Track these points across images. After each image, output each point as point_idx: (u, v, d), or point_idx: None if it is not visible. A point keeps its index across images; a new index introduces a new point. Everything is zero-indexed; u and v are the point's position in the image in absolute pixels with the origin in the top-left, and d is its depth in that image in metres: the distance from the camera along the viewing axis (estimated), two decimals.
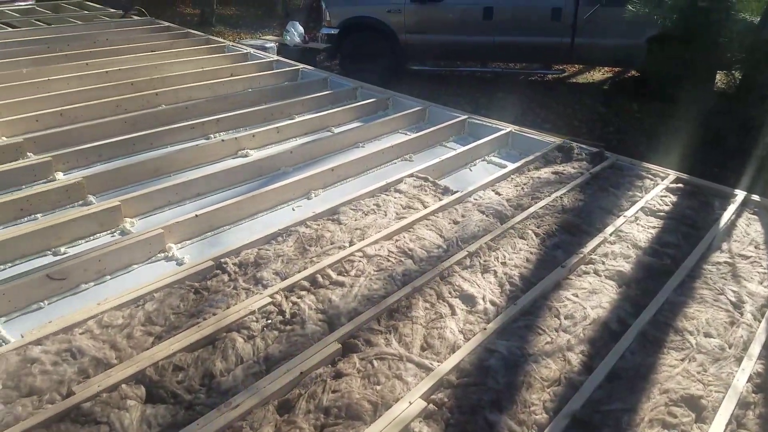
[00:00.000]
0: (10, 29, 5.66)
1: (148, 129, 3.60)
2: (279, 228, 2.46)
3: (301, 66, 5.14)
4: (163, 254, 2.38)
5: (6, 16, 6.36)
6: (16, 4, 9.94)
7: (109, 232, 2.53)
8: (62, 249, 2.36)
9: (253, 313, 1.87)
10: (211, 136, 3.68)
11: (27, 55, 4.84)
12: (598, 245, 2.44)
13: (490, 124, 3.93)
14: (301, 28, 8.15)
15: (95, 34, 5.67)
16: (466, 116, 4.02)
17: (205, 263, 2.17)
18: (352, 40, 7.82)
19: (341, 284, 2.07)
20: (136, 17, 6.74)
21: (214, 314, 1.87)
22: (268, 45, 8.84)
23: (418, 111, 4.16)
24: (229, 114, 3.87)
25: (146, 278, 2.22)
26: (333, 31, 7.85)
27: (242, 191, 3.03)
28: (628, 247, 2.45)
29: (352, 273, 2.15)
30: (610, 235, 2.53)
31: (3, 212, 2.49)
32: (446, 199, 2.78)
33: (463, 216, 2.66)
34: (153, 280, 2.09)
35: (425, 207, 2.71)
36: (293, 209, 2.89)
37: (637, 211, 2.75)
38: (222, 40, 5.90)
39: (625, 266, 2.30)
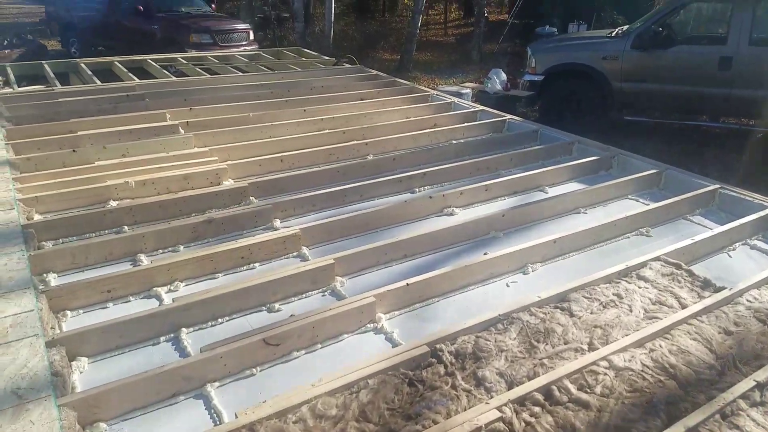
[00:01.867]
0: (240, 73, 6.35)
1: (357, 179, 3.62)
2: (499, 312, 2.15)
3: (508, 116, 4.89)
4: (372, 325, 2.23)
5: (237, 61, 7.21)
6: (242, 48, 11.49)
7: (320, 290, 2.47)
8: (276, 305, 2.34)
9: (479, 430, 1.57)
10: (417, 189, 3.57)
11: (254, 99, 5.33)
12: None
13: (749, 198, 3.23)
14: (503, 75, 7.98)
15: (312, 81, 6.09)
16: (716, 186, 3.37)
17: (420, 348, 1.95)
18: (559, 88, 7.41)
19: (585, 405, 1.69)
20: (347, 65, 7.16)
21: (434, 421, 1.61)
22: (464, 91, 8.84)
23: (653, 175, 3.61)
24: (435, 168, 3.73)
25: (356, 351, 2.08)
26: (537, 78, 7.53)
27: (450, 255, 2.82)
28: None
29: (597, 390, 1.74)
30: None
31: (226, 260, 2.58)
32: (710, 298, 2.23)
33: (736, 324, 2.09)
34: (364, 357, 1.93)
35: (682, 306, 2.19)
36: (507, 285, 2.58)
37: None
38: (426, 89, 5.93)
39: None
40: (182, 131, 4.32)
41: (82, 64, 6.37)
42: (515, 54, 15.28)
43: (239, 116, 4.66)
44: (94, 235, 2.86)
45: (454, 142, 4.43)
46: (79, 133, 4.06)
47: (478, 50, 13.90)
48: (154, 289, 2.41)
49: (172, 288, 2.44)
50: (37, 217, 2.92)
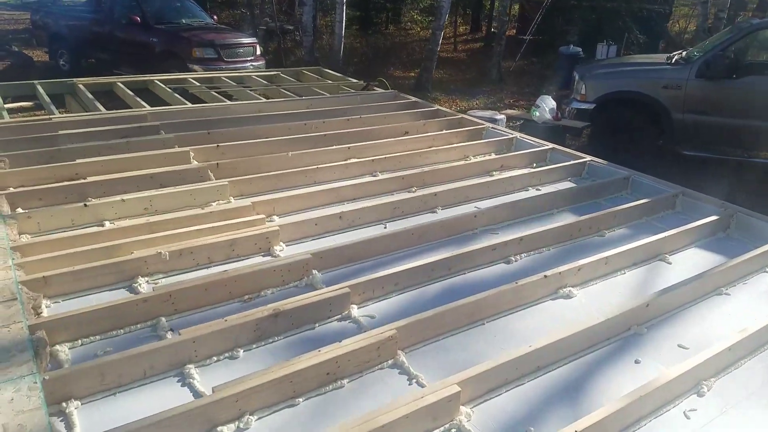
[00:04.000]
0: (263, 99, 5.77)
1: (438, 245, 3.06)
2: None
3: (588, 158, 4.35)
4: None
5: (255, 83, 6.63)
6: (249, 64, 10.90)
7: (442, 429, 1.88)
8: None
9: None
10: (512, 258, 2.98)
11: (286, 133, 4.75)
12: None
13: None
14: (553, 103, 7.47)
15: (346, 110, 5.53)
16: None
17: None
18: (613, 117, 6.92)
19: None
20: (377, 89, 6.62)
21: None
22: (498, 117, 8.35)
23: None
24: (531, 231, 3.16)
25: None
26: (587, 106, 7.03)
27: (591, 362, 2.25)
28: None
29: None
30: None
31: (308, 379, 1.97)
32: None
33: None
34: None
35: None
36: (686, 415, 2.00)
37: None
38: (479, 121, 5.38)
39: None
40: (212, 176, 3.73)
41: (81, 86, 5.77)
42: (532, 74, 14.91)
43: (276, 156, 4.08)
44: (122, 332, 2.25)
45: (535, 191, 3.88)
46: (89, 179, 3.45)
47: (498, 69, 13.47)
48: (218, 429, 1.80)
49: (241, 426, 1.83)
50: (46, 311, 2.29)
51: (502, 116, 8.44)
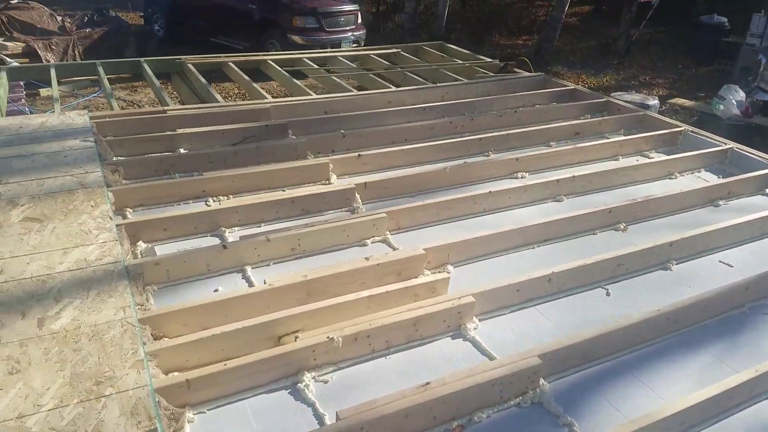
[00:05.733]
0: (392, 87, 5.00)
1: (701, 329, 2.22)
2: None
3: None
4: None
5: (374, 64, 5.87)
6: (350, 34, 10.03)
7: None
8: None
9: None
10: None
11: (431, 135, 3.99)
12: None
13: None
14: (741, 94, 6.25)
15: (492, 102, 4.68)
16: None
17: None
18: None
19: None
20: (518, 70, 5.69)
21: None
22: (650, 102, 7.21)
23: None
24: None
25: None
26: None
27: None
28: None
29: None
30: None
31: None
32: None
33: None
34: None
35: None
36: None
37: None
38: (668, 120, 4.38)
39: None
40: (360, 199, 3.04)
41: (190, 65, 5.22)
42: (660, 44, 13.25)
43: (431, 172, 3.33)
44: None
45: None
46: (223, 204, 2.84)
47: (625, 39, 11.99)
48: None
49: None
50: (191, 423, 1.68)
51: (655, 101, 7.29)
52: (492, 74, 5.58)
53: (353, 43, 10.20)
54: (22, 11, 9.84)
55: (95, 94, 8.29)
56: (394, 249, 2.70)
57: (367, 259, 2.40)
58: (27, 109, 7.25)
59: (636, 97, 7.39)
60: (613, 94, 7.50)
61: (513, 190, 3.17)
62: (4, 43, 9.14)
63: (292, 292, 2.21)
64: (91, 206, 2.57)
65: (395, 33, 12.54)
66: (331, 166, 3.33)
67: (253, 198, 2.87)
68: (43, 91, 8.25)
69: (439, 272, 2.53)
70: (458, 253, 2.62)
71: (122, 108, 7.10)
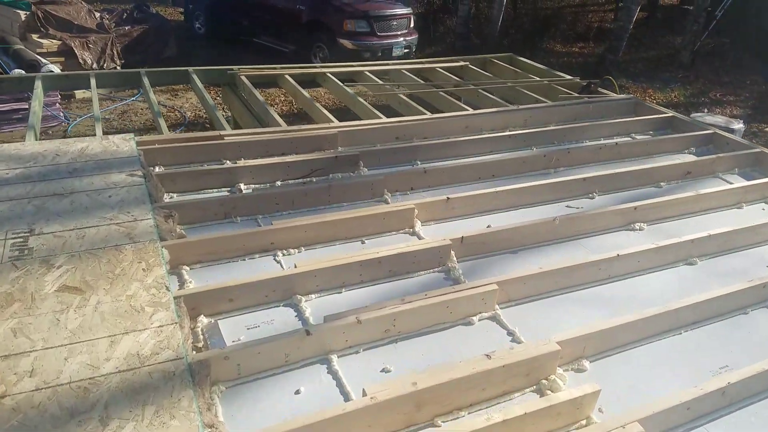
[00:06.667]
0: (469, 110, 4.45)
1: None
2: None
3: None
4: None
5: (440, 77, 5.35)
6: (402, 39, 9.43)
7: None
8: None
9: None
10: None
11: (521, 170, 3.49)
12: None
13: None
14: None
15: (584, 129, 4.14)
16: None
17: None
18: None
19: None
20: (603, 91, 5.11)
21: None
22: (735, 126, 6.54)
23: None
24: None
25: None
26: None
27: None
28: None
29: None
30: None
31: None
32: None
33: None
34: None
35: None
36: None
37: None
38: None
39: None
40: (455, 259, 2.53)
41: (244, 78, 4.77)
42: (725, 57, 12.42)
43: (537, 225, 2.80)
44: None
45: None
46: (298, 267, 2.34)
47: (691, 50, 11.25)
48: None
49: None
50: None
51: (740, 125, 6.63)
52: (575, 94, 5.01)
53: (405, 49, 9.70)
54: (59, 6, 9.52)
55: (134, 98, 7.94)
56: (507, 329, 2.20)
57: (488, 357, 1.89)
58: (61, 114, 6.92)
59: (719, 119, 6.73)
60: (693, 115, 6.86)
61: (642, 253, 2.62)
62: (39, 40, 8.82)
63: (398, 405, 1.71)
64: (143, 270, 2.11)
65: (446, 37, 12.00)
66: (416, 211, 2.84)
67: (333, 259, 2.38)
68: (79, 93, 7.92)
69: (572, 369, 2.03)
70: (596, 345, 2.10)
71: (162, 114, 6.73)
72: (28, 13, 9.07)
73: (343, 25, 9.07)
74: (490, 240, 2.68)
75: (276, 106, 8.03)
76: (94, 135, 3.41)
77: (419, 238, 2.75)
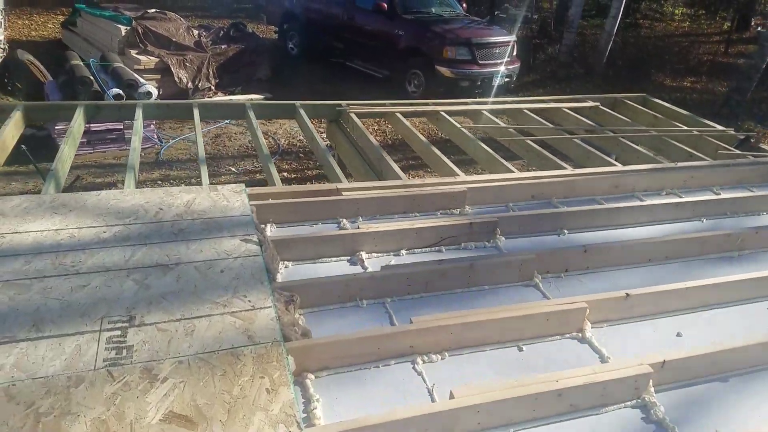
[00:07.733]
0: (619, 167, 3.82)
1: None
2: None
3: None
4: None
5: (567, 120, 4.75)
6: (503, 68, 8.82)
7: None
8: None
9: None
10: None
11: (698, 252, 2.85)
12: None
13: None
14: None
15: (755, 199, 3.45)
16: None
17: None
18: None
19: None
20: (764, 147, 4.36)
21: None
22: None
23: None
24: None
25: None
26: None
27: None
28: None
29: None
30: None
31: None
32: None
33: None
34: None
35: None
36: None
37: None
38: None
39: None
40: (653, 390, 1.93)
41: (353, 115, 4.35)
42: None
43: (753, 347, 2.15)
44: None
45: None
46: (458, 399, 1.81)
47: None
48: None
49: None
50: None
51: None
52: (733, 149, 4.30)
53: (505, 78, 9.13)
54: (159, 22, 9.56)
55: (227, 122, 7.76)
56: None
57: None
58: (155, 135, 6.79)
59: None
60: None
61: None
62: (138, 56, 8.84)
63: None
64: (267, 391, 1.64)
65: (547, 65, 11.33)
66: (587, 311, 2.26)
67: (499, 390, 1.83)
68: None
69: None
70: None
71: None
72: (128, 28, 9.14)
73: (443, 52, 8.61)
74: (693, 365, 2.06)
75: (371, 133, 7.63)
76: (193, 171, 3.05)
77: (592, 347, 2.18)
